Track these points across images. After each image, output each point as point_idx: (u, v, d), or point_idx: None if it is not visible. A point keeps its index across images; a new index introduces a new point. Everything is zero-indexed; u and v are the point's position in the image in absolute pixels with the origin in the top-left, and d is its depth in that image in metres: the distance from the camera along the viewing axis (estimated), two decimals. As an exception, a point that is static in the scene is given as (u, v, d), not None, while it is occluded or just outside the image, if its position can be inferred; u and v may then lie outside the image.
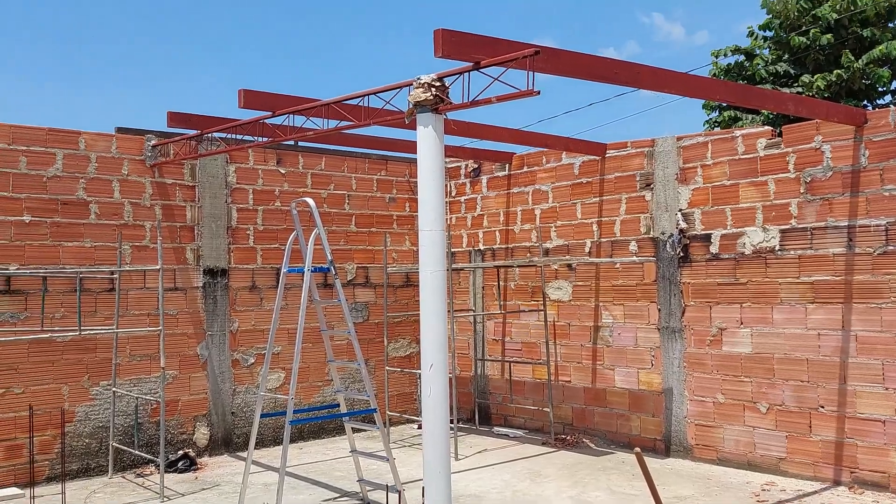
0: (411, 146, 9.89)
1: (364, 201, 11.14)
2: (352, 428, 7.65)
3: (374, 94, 6.92)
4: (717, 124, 17.18)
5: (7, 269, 8.12)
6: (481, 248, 11.25)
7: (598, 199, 9.79)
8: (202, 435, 9.48)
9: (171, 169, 9.33)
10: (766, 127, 8.54)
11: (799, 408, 7.99)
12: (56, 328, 8.31)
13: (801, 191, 7.97)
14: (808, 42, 15.19)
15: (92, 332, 8.40)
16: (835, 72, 14.64)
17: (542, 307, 10.20)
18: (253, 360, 9.96)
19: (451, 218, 11.54)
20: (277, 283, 9.83)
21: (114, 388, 8.55)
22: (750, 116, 15.87)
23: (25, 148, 8.35)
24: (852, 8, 14.91)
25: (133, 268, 8.82)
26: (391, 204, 11.44)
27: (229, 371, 9.75)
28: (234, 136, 8.54)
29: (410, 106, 6.06)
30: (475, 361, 11.23)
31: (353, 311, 10.79)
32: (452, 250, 11.03)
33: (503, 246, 10.95)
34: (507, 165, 10.91)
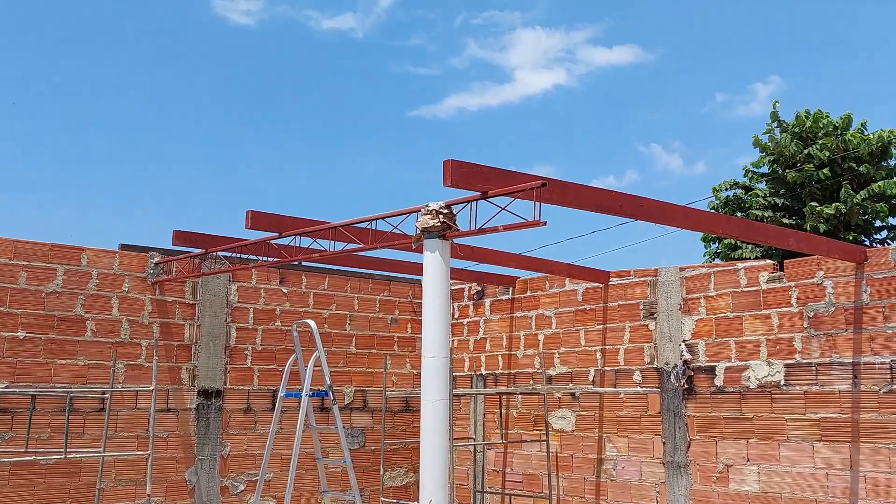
0: (415, 268, 9.90)
1: (366, 322, 11.06)
2: (344, 564, 7.28)
3: (382, 218, 6.97)
4: (717, 254, 17.36)
5: (-3, 387, 7.94)
6: (483, 372, 11.08)
7: (601, 326, 9.71)
8: (185, 566, 9.01)
9: (172, 287, 9.29)
10: (768, 261, 8.57)
11: (812, 552, 7.63)
12: (41, 450, 8.04)
13: (805, 325, 7.92)
14: (804, 178, 15.56)
15: (78, 454, 8.11)
16: (833, 205, 14.92)
17: (544, 437, 9.92)
18: (243, 488, 9.59)
19: (453, 341, 11.41)
20: (273, 405, 9.61)
21: (96, 514, 8.18)
22: (749, 246, 16.04)
23: (27, 263, 8.33)
24: (844, 147, 15.34)
25: (125, 388, 8.63)
26: (393, 325, 11.35)
27: (217, 499, 9.36)
28: (238, 255, 8.55)
29: (418, 231, 6.10)
30: (474, 493, 10.83)
31: (349, 437, 10.50)
32: (453, 374, 10.85)
33: (506, 371, 10.78)
34: (510, 289, 10.89)
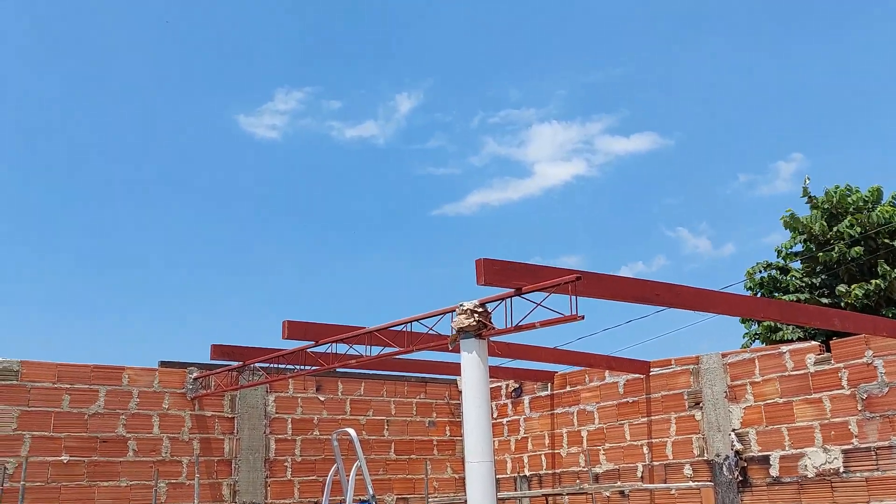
0: (451, 367, 9.81)
1: (403, 426, 10.89)
2: None
3: (417, 320, 6.97)
4: (756, 336, 16.97)
5: (41, 514, 7.87)
6: (527, 473, 10.77)
7: (646, 419, 9.47)
8: None
9: (211, 400, 9.27)
10: (813, 342, 8.37)
11: None
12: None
13: (859, 408, 7.66)
14: (837, 257, 15.31)
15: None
16: (872, 282, 14.62)
17: (594, 538, 9.54)
18: None
19: (493, 441, 11.14)
20: (315, 518, 9.40)
21: None
22: (790, 327, 15.69)
23: (69, 386, 8.40)
24: (875, 222, 15.13)
25: (167, 506, 8.51)
26: (431, 428, 11.16)
27: None
28: (275, 365, 8.55)
29: (454, 332, 6.07)
30: None
31: (394, 547, 10.18)
32: (496, 476, 10.56)
33: (550, 471, 10.48)
34: (549, 385, 10.71)
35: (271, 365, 8.64)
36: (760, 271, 16.89)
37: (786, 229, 16.79)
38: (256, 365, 8.83)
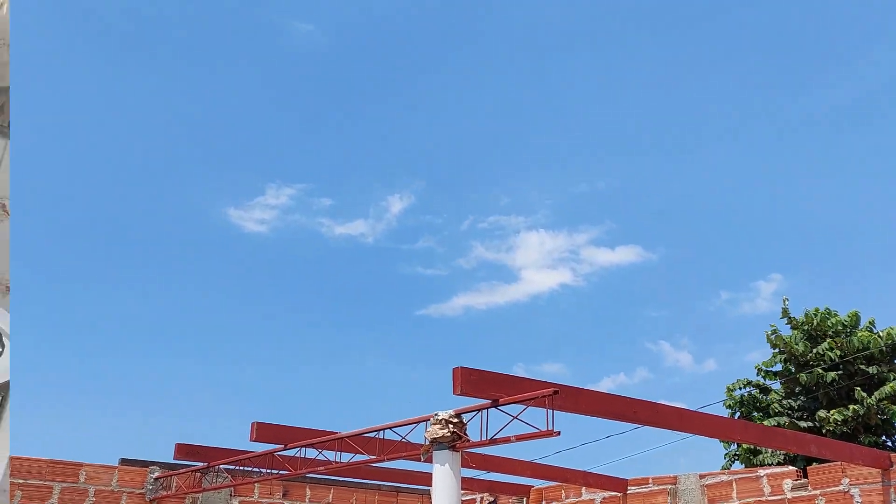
0: (424, 477, 9.53)
1: (371, 539, 10.47)
2: None
3: (390, 428, 6.80)
4: (736, 456, 16.74)
5: None
6: None
7: (621, 541, 9.16)
8: None
9: (171, 503, 8.90)
10: (791, 467, 8.24)
11: None
12: None
13: (838, 537, 7.45)
14: (816, 380, 15.32)
15: None
16: (850, 407, 14.58)
17: None
18: None
19: (463, 559, 10.73)
20: None
21: None
22: (770, 450, 15.50)
23: (23, 481, 8.05)
24: (853, 347, 15.21)
25: None
26: (400, 542, 10.73)
27: None
28: (242, 468, 8.27)
29: (427, 442, 5.93)
30: None
31: None
32: None
33: None
34: (524, 499, 10.40)
35: (237, 467, 8.35)
36: (741, 388, 16.83)
37: (768, 344, 16.81)
38: (221, 467, 8.54)
